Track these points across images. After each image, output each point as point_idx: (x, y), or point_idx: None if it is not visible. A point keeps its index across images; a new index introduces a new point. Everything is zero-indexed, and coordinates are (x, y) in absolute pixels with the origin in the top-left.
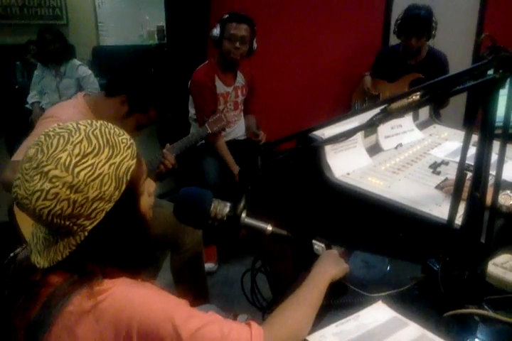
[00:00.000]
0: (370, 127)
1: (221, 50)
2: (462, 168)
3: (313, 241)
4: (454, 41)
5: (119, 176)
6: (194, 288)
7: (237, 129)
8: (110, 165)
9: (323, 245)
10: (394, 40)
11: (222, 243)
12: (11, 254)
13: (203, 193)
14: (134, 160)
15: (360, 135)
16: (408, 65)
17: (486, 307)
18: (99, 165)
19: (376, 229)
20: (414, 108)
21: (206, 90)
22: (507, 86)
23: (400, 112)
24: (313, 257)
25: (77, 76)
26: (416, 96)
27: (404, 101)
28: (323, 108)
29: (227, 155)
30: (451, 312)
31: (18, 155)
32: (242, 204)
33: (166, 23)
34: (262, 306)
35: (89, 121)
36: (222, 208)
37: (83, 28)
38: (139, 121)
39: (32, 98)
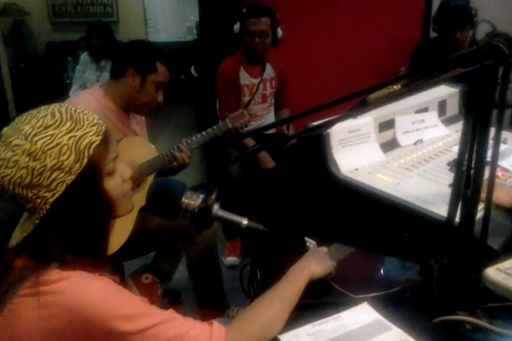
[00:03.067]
0: (348, 118)
1: (243, 43)
2: (460, 164)
3: (306, 239)
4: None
5: (80, 149)
6: (209, 282)
7: (266, 123)
8: (70, 137)
9: (314, 243)
10: (434, 34)
11: (248, 236)
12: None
13: (174, 184)
14: (99, 138)
15: (373, 129)
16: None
17: (481, 315)
18: (59, 135)
19: (380, 228)
20: (395, 98)
21: (228, 82)
22: None
23: (379, 102)
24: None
25: None
26: (397, 86)
27: (384, 91)
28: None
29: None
30: (440, 319)
31: None
32: (213, 196)
33: (199, 18)
34: None
35: (61, 103)
36: (194, 200)
37: (133, 24)
38: (155, 82)
39: (74, 92)
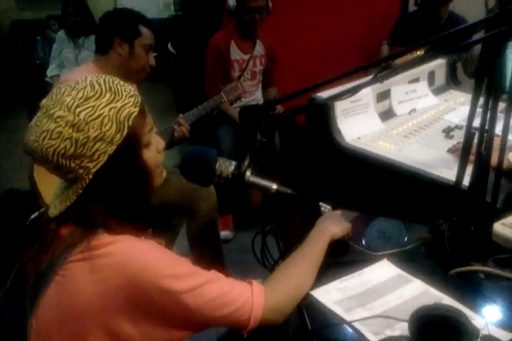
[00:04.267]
0: (374, 83)
1: (238, 20)
2: (470, 128)
3: (320, 204)
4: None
5: (120, 120)
6: (210, 254)
7: (254, 100)
8: (111, 108)
9: (329, 207)
10: (412, 8)
11: (238, 212)
12: (31, 217)
13: (208, 151)
14: (137, 109)
15: (372, 99)
16: (429, 31)
17: (491, 265)
18: (100, 106)
19: (386, 193)
20: (418, 63)
21: (217, 54)
22: None
23: (405, 67)
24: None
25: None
26: (420, 52)
27: (408, 57)
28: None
29: (236, 115)
30: (456, 270)
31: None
32: (246, 163)
33: None
34: (273, 267)
35: (97, 74)
36: (227, 166)
37: (102, 1)
38: (143, 45)
39: (51, 71)
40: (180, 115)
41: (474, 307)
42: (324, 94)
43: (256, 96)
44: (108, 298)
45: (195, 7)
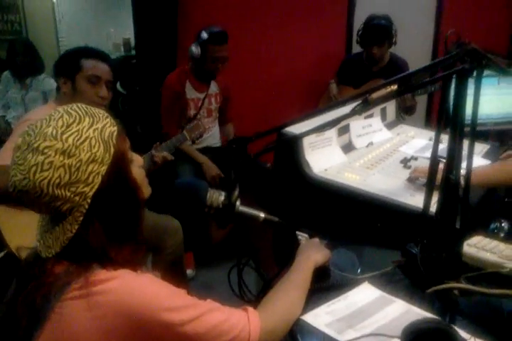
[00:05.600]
0: (353, 115)
1: (200, 66)
2: (435, 155)
3: (297, 232)
4: (413, 46)
5: (105, 139)
6: None
7: (212, 137)
8: (94, 130)
9: (306, 235)
10: (356, 49)
11: (199, 249)
12: None
13: (199, 183)
14: (116, 127)
15: (334, 134)
16: (372, 72)
17: (463, 282)
18: (84, 130)
19: (355, 221)
20: (392, 97)
21: (174, 95)
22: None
23: (380, 101)
24: (296, 247)
25: (43, 89)
26: (394, 87)
27: (383, 91)
28: (290, 115)
29: (197, 155)
30: (433, 289)
31: None
32: (236, 193)
33: (134, 35)
34: (250, 300)
35: (65, 105)
36: (217, 197)
37: (44, 43)
38: (85, 78)
39: None
40: (155, 145)
41: (455, 321)
42: (292, 129)
43: (213, 133)
44: (107, 335)
45: (150, 48)
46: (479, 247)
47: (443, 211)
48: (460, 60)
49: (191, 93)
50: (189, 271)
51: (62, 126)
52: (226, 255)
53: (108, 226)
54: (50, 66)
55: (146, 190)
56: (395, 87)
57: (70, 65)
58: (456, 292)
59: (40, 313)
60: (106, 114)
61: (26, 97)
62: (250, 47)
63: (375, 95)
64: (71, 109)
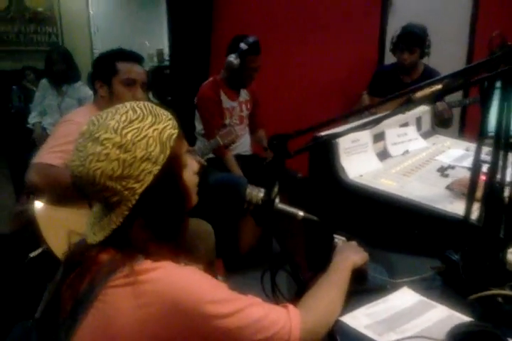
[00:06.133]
0: (397, 114)
1: (237, 75)
2: (478, 160)
3: (334, 236)
4: (447, 58)
5: (163, 140)
6: None
7: (243, 144)
8: (154, 130)
9: (343, 238)
10: (388, 60)
11: (228, 256)
12: (30, 255)
13: (238, 179)
14: (176, 131)
15: (370, 140)
16: (404, 83)
17: (508, 290)
18: (144, 128)
19: (391, 227)
20: (435, 97)
21: (213, 104)
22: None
23: (423, 101)
24: (332, 250)
25: (78, 96)
26: (438, 86)
27: (427, 90)
28: (324, 128)
29: (235, 167)
30: (476, 295)
31: (38, 158)
32: (275, 190)
33: (169, 46)
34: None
35: (135, 101)
36: (256, 193)
37: (79, 54)
38: (121, 81)
39: (33, 118)
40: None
41: (500, 328)
42: (326, 134)
43: (244, 140)
44: (150, 323)
45: (184, 58)
46: None
47: (486, 219)
48: (505, 61)
49: (226, 102)
50: (219, 278)
51: (124, 121)
52: (256, 262)
53: (151, 225)
54: (85, 75)
55: (195, 198)
56: (439, 87)
57: (105, 69)
58: (500, 299)
59: (84, 299)
60: (170, 116)
61: (62, 104)
62: (283, 56)
63: (418, 94)
64: (137, 106)
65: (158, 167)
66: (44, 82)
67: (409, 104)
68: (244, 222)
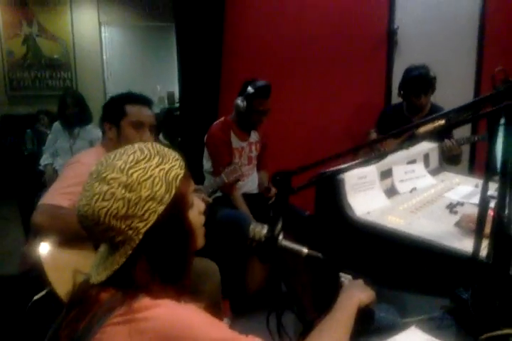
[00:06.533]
0: (400, 149)
1: (245, 118)
2: (485, 195)
3: (340, 274)
4: (454, 94)
5: (169, 180)
6: None
7: (250, 183)
8: (160, 170)
9: (349, 276)
10: (394, 99)
11: (235, 298)
12: (35, 297)
13: (242, 215)
14: (183, 171)
15: (377, 177)
16: (412, 122)
17: None
18: (151, 168)
19: (399, 265)
20: (438, 132)
21: (222, 144)
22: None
23: (427, 136)
24: (338, 289)
25: (90, 138)
26: (441, 122)
27: (430, 126)
28: (330, 165)
29: (242, 205)
30: (487, 335)
31: (45, 199)
32: (279, 226)
33: (179, 88)
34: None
35: (144, 142)
36: (260, 229)
37: (92, 98)
38: (129, 123)
39: (45, 160)
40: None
41: None
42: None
43: (252, 179)
44: None
45: (193, 100)
46: None
47: (496, 256)
48: (508, 97)
49: (236, 142)
50: (225, 320)
51: (131, 162)
52: (263, 304)
53: (155, 265)
54: (97, 118)
55: (201, 240)
56: (442, 122)
57: (114, 111)
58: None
59: (82, 337)
60: (177, 157)
61: (74, 146)
62: (290, 97)
63: (422, 129)
64: (145, 146)
65: (163, 206)
66: (57, 124)
67: (412, 139)
68: (251, 262)
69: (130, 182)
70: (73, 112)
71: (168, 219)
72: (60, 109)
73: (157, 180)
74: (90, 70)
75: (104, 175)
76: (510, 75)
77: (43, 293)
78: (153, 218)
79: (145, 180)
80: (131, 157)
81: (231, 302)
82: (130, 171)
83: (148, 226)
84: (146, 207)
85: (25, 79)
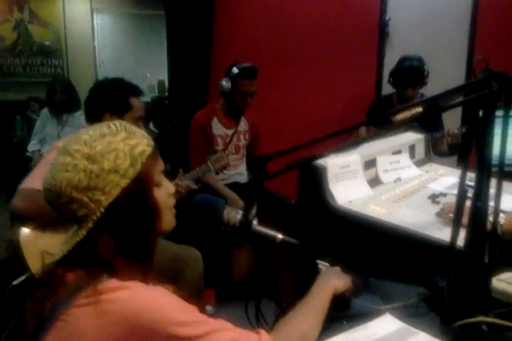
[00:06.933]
0: (378, 137)
1: (229, 101)
2: (463, 184)
3: (318, 261)
4: (443, 85)
5: (134, 155)
6: None
7: (239, 174)
8: (125, 144)
9: (327, 264)
10: (386, 90)
11: (220, 285)
12: (14, 283)
13: (216, 200)
14: (150, 148)
15: (360, 167)
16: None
17: (493, 317)
18: (115, 142)
19: (379, 253)
20: (416, 120)
21: (199, 130)
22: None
23: (404, 123)
24: (316, 276)
25: (78, 125)
26: (419, 109)
27: (408, 113)
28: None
29: (223, 189)
30: (460, 322)
31: (26, 183)
32: (253, 211)
33: (168, 76)
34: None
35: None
36: (234, 215)
37: (84, 86)
38: (133, 118)
39: (32, 146)
40: (180, 172)
41: None
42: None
43: (240, 170)
44: None
45: (183, 89)
46: (510, 282)
47: (471, 244)
48: (488, 85)
49: (218, 129)
50: (209, 308)
51: (97, 135)
52: (249, 292)
53: (117, 241)
54: None
55: (170, 221)
56: (419, 110)
57: (119, 103)
58: (484, 327)
59: (47, 318)
60: (146, 136)
61: (62, 133)
62: (280, 87)
63: (399, 117)
64: (113, 123)
65: (127, 180)
66: (45, 111)
67: (390, 127)
68: (237, 250)
69: (93, 153)
70: (62, 98)
71: (132, 194)
72: (49, 95)
73: (121, 153)
74: (82, 57)
75: (69, 148)
76: (497, 65)
77: (23, 278)
78: (115, 192)
79: (108, 152)
80: (98, 131)
81: (216, 290)
82: (94, 143)
83: (110, 199)
84: (108, 180)
85: (16, 65)
